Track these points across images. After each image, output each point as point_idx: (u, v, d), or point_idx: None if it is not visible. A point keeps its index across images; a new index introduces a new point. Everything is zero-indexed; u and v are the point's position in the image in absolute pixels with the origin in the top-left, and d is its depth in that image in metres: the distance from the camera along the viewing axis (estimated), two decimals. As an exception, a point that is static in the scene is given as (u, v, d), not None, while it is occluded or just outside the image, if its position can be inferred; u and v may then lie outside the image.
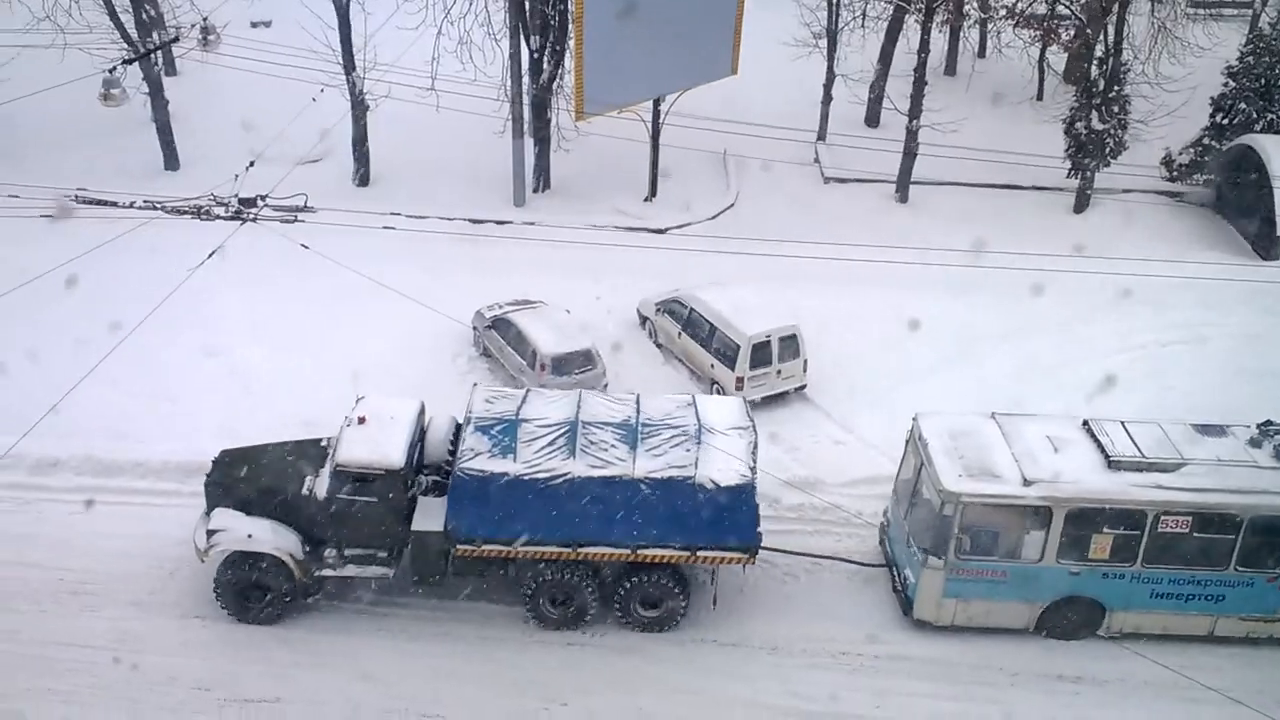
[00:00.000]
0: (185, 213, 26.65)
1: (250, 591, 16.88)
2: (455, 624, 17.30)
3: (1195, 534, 16.81)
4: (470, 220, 28.19)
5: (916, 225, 28.93)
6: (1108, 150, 29.47)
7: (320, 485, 16.92)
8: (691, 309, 23.24)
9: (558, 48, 28.97)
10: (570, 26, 27.64)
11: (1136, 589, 17.21)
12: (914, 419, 18.13)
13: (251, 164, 22.94)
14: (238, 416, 20.15)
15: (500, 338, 22.74)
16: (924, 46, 29.76)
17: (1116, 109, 29.21)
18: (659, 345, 24.23)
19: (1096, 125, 29.13)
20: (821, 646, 17.24)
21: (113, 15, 28.32)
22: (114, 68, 19.15)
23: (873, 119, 33.91)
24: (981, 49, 37.53)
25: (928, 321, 24.69)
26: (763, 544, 17.06)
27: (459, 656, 16.76)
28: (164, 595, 17.37)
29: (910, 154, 30.12)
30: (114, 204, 27.23)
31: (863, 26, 33.42)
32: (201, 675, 16.17)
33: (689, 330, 23.23)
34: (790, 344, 22.39)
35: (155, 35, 29.03)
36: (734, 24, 29.41)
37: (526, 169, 29.35)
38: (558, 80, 29.33)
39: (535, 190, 29.88)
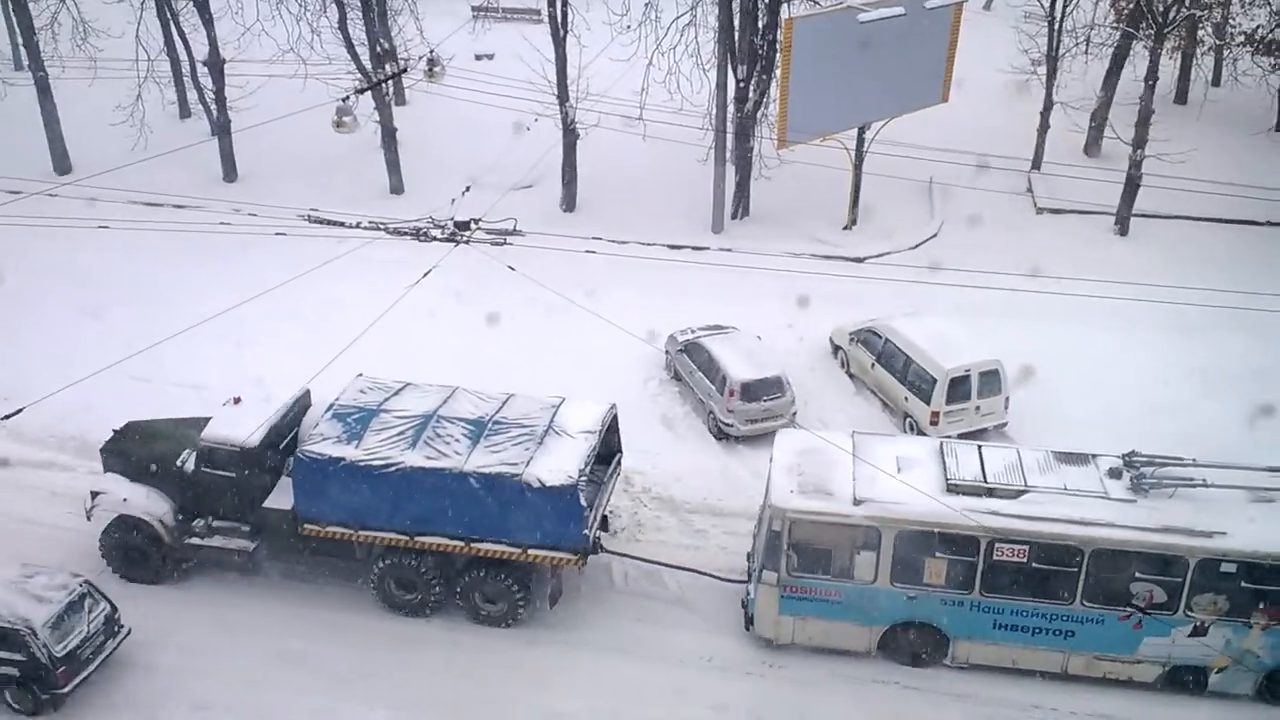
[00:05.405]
0: (405, 234, 28.29)
1: (131, 552, 18.08)
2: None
3: (1035, 564, 16.12)
4: (669, 246, 28.67)
5: (1137, 260, 27.51)
6: (1356, 184, 27.24)
7: (191, 459, 18.09)
8: (887, 339, 22.80)
9: (764, 76, 29.17)
10: (778, 56, 27.78)
11: (978, 618, 16.52)
12: (776, 435, 17.99)
13: (468, 189, 24.17)
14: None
15: (691, 362, 22.97)
16: (1152, 74, 28.43)
17: (1366, 140, 26.97)
18: (851, 375, 23.88)
19: (1344, 157, 26.95)
20: (654, 652, 17.29)
21: (350, 48, 30.41)
22: (347, 96, 20.50)
23: (1093, 148, 32.52)
24: (1216, 77, 35.31)
25: (1143, 362, 23.54)
26: (628, 553, 17.92)
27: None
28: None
29: (1133, 185, 28.73)
30: (342, 224, 29.17)
31: (1086, 53, 32.09)
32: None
33: (883, 361, 22.80)
34: (991, 379, 21.62)
35: (387, 67, 30.96)
36: (947, 51, 28.87)
37: (726, 196, 29.62)
38: (762, 108, 29.50)
39: (734, 217, 30.09)
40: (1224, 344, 23.77)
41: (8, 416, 15.81)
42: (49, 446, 21.26)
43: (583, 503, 16.81)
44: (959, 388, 21.38)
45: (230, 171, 32.05)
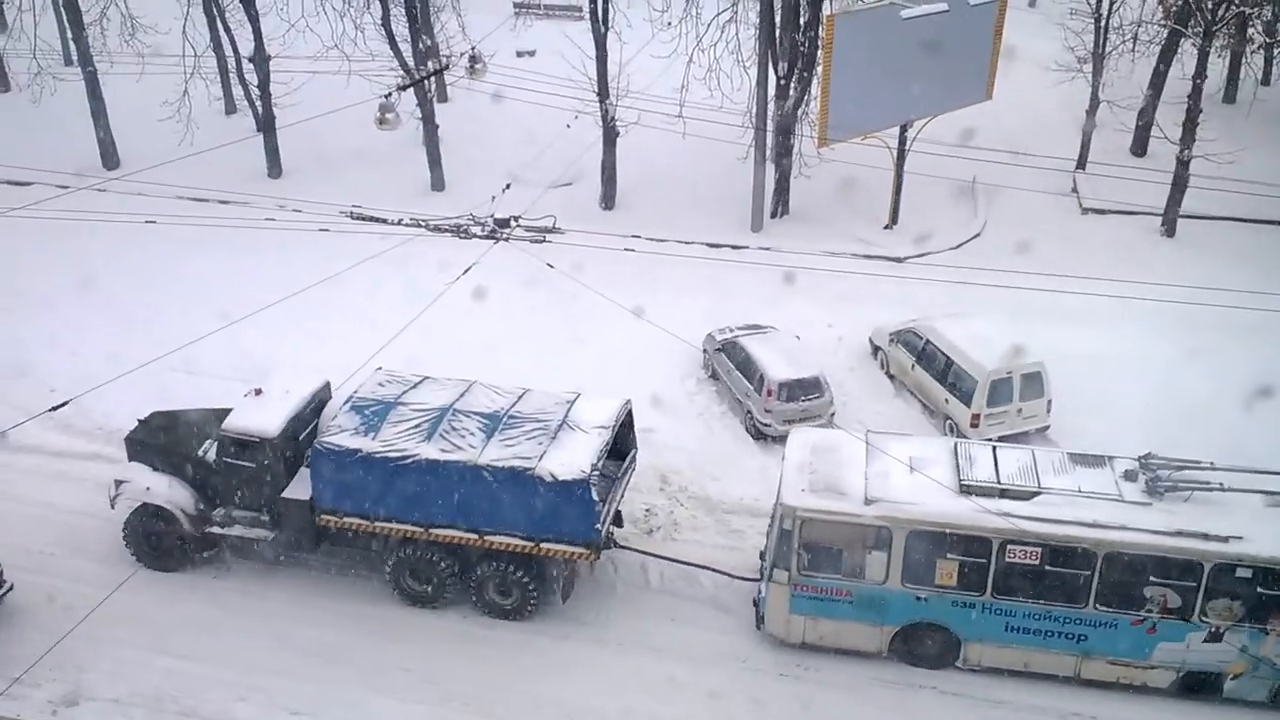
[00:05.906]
0: (446, 231, 28.48)
1: (152, 540, 18.42)
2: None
3: (1048, 567, 15.92)
4: (707, 244, 28.62)
5: (1183, 261, 27.10)
6: None
7: (212, 449, 18.34)
8: (927, 340, 22.63)
9: (805, 74, 29.03)
10: (819, 53, 27.65)
11: (989, 620, 16.35)
12: (790, 434, 17.94)
13: (508, 186, 24.28)
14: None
15: (729, 361, 22.93)
16: (1200, 72, 27.95)
17: None
18: (891, 376, 23.73)
19: (1398, 158, 26.38)
20: (686, 651, 17.28)
21: (393, 45, 30.58)
22: (389, 93, 20.62)
23: (1139, 148, 32.05)
24: (1266, 75, 34.76)
25: (1191, 365, 23.08)
26: (644, 549, 18.07)
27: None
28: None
29: (1180, 185, 28.30)
30: (384, 220, 29.40)
31: (1133, 50, 31.67)
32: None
33: (923, 362, 22.63)
34: (1033, 381, 21.38)
35: (429, 64, 31.11)
36: (991, 48, 28.64)
37: (766, 194, 29.51)
38: (803, 106, 29.38)
39: (773, 216, 29.98)
40: (1267, 348, 23.33)
41: (54, 408, 16.03)
42: (95, 439, 21.58)
43: (595, 497, 16.84)
44: (1000, 390, 21.16)
45: (275, 167, 32.37)
